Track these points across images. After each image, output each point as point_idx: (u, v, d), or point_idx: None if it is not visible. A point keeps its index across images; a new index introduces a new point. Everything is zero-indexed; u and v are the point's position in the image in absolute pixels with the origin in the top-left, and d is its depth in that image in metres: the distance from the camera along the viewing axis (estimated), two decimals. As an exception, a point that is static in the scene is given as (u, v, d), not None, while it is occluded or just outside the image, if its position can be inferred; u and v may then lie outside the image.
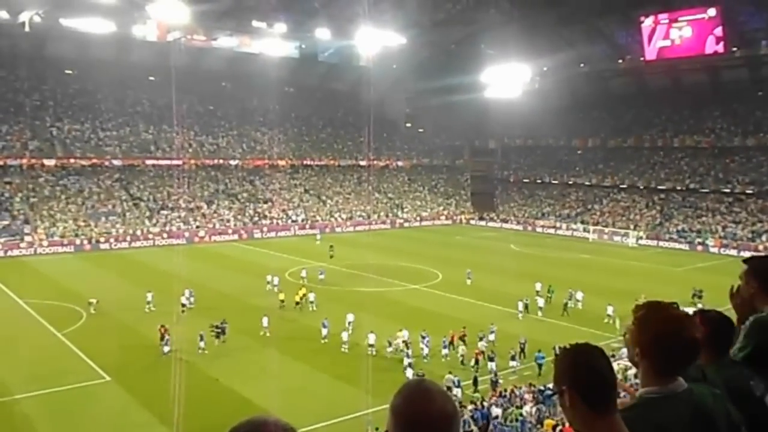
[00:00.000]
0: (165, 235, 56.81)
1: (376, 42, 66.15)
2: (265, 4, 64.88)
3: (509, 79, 63.30)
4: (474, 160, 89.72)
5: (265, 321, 28.63)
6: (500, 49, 67.32)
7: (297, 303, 33.06)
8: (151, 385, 22.40)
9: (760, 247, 53.35)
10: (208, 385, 22.76)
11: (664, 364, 2.06)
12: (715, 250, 56.39)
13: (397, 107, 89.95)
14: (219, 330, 27.66)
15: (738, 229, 58.56)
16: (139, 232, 56.51)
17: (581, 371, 1.87)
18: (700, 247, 57.61)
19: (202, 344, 26.13)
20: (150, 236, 56.49)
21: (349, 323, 28.78)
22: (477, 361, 24.71)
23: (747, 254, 48.51)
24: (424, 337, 26.19)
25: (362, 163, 77.01)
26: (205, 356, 25.76)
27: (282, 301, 33.25)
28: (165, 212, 60.29)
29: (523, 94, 69.02)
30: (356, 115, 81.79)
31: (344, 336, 27.08)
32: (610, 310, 31.07)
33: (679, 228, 61.83)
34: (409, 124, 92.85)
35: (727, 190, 63.10)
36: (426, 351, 25.83)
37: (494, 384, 22.85)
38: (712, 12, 60.84)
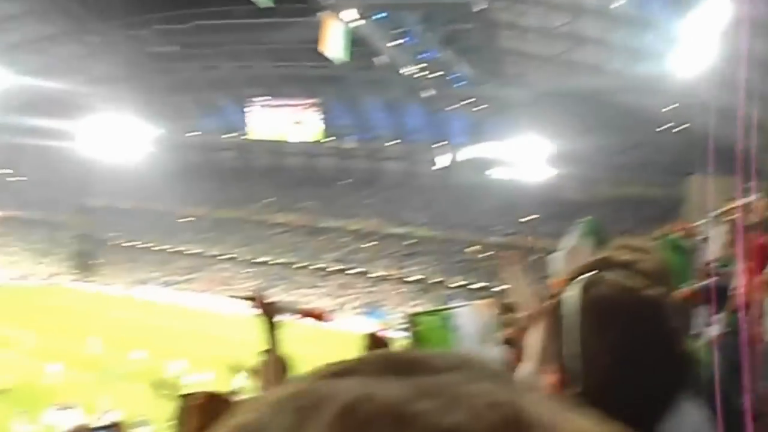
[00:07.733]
0: None
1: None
2: None
3: (124, 137, 65.78)
4: (78, 218, 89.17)
5: None
6: (115, 104, 70.49)
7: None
8: None
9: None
10: None
11: None
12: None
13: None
14: None
15: (326, 301, 68.85)
16: None
17: None
18: (289, 317, 70.24)
19: None
20: None
21: None
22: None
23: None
24: None
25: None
26: None
27: None
28: None
29: (136, 155, 72.49)
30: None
31: None
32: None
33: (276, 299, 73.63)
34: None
35: (320, 266, 76.35)
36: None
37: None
38: (310, 102, 76.37)
